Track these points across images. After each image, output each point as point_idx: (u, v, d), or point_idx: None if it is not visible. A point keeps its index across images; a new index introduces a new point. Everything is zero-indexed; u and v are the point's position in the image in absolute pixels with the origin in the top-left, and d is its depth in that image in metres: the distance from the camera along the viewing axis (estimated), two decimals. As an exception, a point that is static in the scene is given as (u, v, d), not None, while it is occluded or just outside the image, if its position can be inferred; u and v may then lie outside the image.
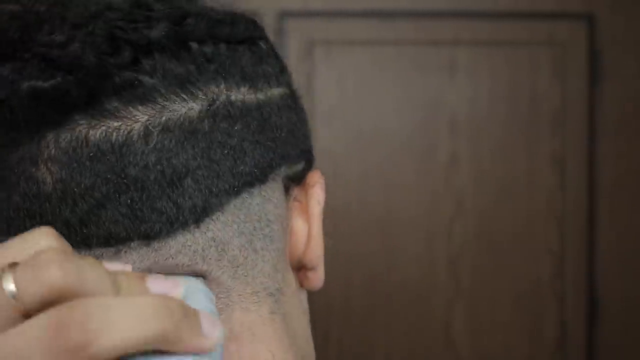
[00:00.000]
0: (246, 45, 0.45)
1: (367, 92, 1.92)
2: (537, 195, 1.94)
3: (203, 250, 0.42)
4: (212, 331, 0.33)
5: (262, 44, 0.46)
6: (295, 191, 0.47)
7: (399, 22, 1.94)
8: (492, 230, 1.93)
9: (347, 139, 1.91)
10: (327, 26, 1.93)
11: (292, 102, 0.47)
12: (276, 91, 0.46)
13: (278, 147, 0.45)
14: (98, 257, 0.40)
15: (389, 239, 1.92)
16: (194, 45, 0.42)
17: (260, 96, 0.45)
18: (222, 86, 0.42)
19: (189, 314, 0.33)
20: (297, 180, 0.47)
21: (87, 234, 0.39)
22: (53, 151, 0.39)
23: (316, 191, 0.48)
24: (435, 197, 1.94)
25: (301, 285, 0.48)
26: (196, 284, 0.40)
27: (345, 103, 1.91)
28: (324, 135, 1.92)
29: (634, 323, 1.93)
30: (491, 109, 1.95)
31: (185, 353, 0.33)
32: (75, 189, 0.39)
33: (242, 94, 0.43)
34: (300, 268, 0.48)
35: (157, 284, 0.35)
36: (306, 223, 0.48)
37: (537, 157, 1.94)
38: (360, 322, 1.93)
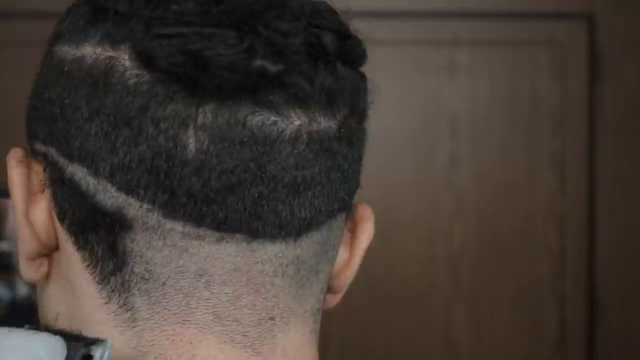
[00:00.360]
0: (364, 80, 0.47)
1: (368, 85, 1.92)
2: (537, 195, 1.94)
3: (286, 266, 0.43)
4: None
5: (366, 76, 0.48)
6: (349, 222, 0.49)
7: (398, 22, 1.94)
8: (492, 230, 1.93)
9: (347, 138, 1.92)
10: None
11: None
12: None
13: (359, 178, 0.48)
14: (201, 237, 0.41)
15: (389, 239, 1.92)
16: (341, 64, 0.43)
17: (364, 133, 0.47)
18: (349, 110, 0.44)
19: None
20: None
21: (204, 212, 0.40)
22: (210, 120, 0.39)
23: (369, 227, 0.51)
24: (435, 197, 1.94)
25: None
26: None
27: (345, 103, 1.91)
28: (324, 135, 1.92)
29: (634, 323, 1.93)
30: (491, 109, 1.95)
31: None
32: (216, 166, 0.39)
33: (357, 122, 0.45)
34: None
35: None
36: (347, 251, 0.49)
37: (537, 157, 1.94)
38: (360, 322, 1.93)
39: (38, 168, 0.43)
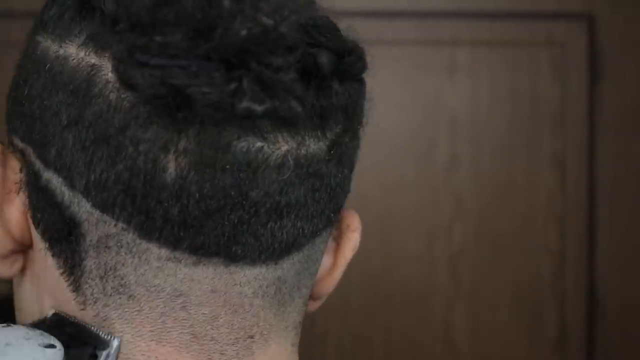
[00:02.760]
0: (363, 85, 0.45)
1: (366, 92, 1.92)
2: (537, 195, 1.94)
3: (267, 287, 0.42)
4: None
5: (365, 81, 0.45)
6: (335, 229, 0.47)
7: (398, 22, 1.94)
8: (492, 229, 1.93)
9: (347, 138, 1.92)
10: (327, 26, 1.93)
11: None
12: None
13: (348, 189, 0.45)
14: (177, 260, 0.40)
15: (388, 239, 1.92)
16: (338, 82, 0.41)
17: (357, 142, 0.45)
18: (343, 127, 0.42)
19: None
20: None
21: (181, 236, 0.39)
22: (191, 145, 0.38)
23: (356, 237, 0.48)
24: (435, 197, 1.94)
25: None
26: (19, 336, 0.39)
27: (345, 103, 1.91)
28: (324, 135, 1.92)
29: (634, 323, 1.93)
30: (491, 109, 1.95)
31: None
32: (195, 193, 0.38)
33: (350, 137, 0.43)
34: None
35: None
36: (331, 257, 0.47)
37: (537, 157, 1.94)
38: (359, 322, 1.93)
39: (15, 165, 0.42)
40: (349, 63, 0.42)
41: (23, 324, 0.41)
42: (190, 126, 0.37)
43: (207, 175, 0.38)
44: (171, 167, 0.38)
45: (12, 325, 0.40)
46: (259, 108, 0.37)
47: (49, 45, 0.41)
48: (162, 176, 0.38)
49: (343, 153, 0.42)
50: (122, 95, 0.38)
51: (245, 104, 0.37)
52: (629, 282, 1.94)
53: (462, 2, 1.95)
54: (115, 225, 0.39)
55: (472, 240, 1.94)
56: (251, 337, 0.42)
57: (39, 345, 0.38)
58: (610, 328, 1.94)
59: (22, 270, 0.44)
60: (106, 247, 0.40)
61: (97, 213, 0.39)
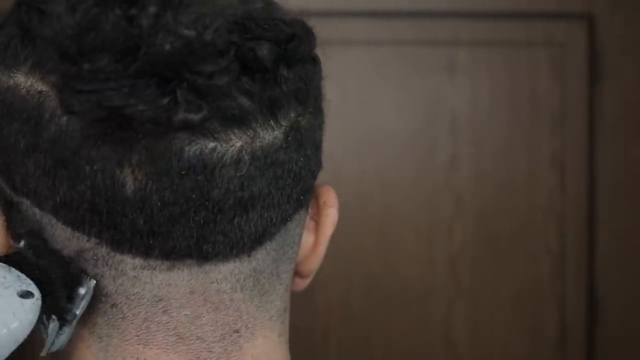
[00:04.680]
0: (316, 64, 0.45)
1: (366, 92, 1.92)
2: (537, 195, 1.94)
3: (244, 280, 0.43)
4: None
5: (318, 58, 0.46)
6: (311, 210, 0.47)
7: (398, 22, 1.94)
8: (492, 229, 1.93)
9: (346, 139, 1.91)
10: (326, 26, 1.93)
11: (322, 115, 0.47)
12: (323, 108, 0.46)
13: (316, 167, 0.45)
14: (151, 267, 0.41)
15: (388, 239, 1.92)
16: (285, 69, 0.41)
17: (319, 119, 0.45)
18: (298, 112, 0.42)
19: None
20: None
21: (151, 245, 0.40)
22: (144, 158, 0.38)
23: (333, 213, 0.48)
24: (435, 197, 1.94)
25: None
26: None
27: (344, 103, 1.91)
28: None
29: (634, 323, 1.93)
30: (491, 109, 1.95)
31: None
32: (157, 202, 0.39)
33: (307, 119, 0.44)
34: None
35: None
36: (312, 235, 0.48)
37: (537, 157, 1.94)
38: (359, 321, 1.93)
39: None
40: (292, 48, 0.42)
41: None
42: (138, 141, 0.38)
43: (165, 184, 0.38)
44: (129, 181, 0.38)
45: None
46: (195, 117, 0.38)
47: (0, 76, 0.41)
48: (122, 191, 0.38)
49: (303, 136, 0.43)
50: (71, 120, 0.38)
51: (181, 115, 0.38)
52: (629, 282, 1.94)
53: (462, 2, 1.95)
54: (88, 240, 0.40)
55: (472, 240, 1.94)
56: (237, 331, 0.43)
57: (17, 294, 0.39)
58: (610, 328, 1.93)
59: None
60: (84, 260, 0.40)
61: (68, 231, 0.40)
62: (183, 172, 0.38)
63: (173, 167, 0.38)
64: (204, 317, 0.42)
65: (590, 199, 1.94)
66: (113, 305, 0.41)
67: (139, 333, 0.42)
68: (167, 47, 0.38)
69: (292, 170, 0.42)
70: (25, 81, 0.40)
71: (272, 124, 0.41)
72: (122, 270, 0.41)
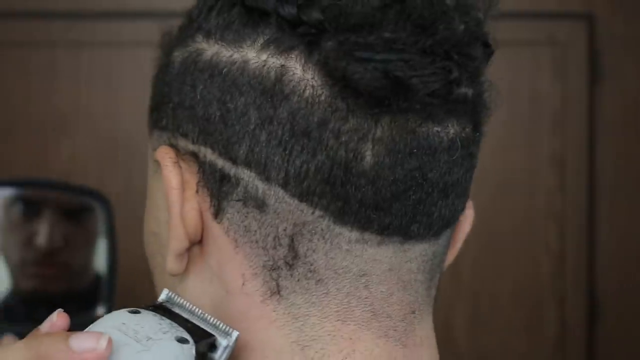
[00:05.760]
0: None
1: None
2: (537, 194, 1.94)
3: (426, 262, 0.45)
4: (81, 345, 0.37)
5: None
6: None
7: (399, 22, 1.94)
8: (491, 229, 1.93)
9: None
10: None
11: None
12: None
13: None
14: (364, 241, 0.42)
15: (389, 239, 1.92)
16: (484, 71, 0.46)
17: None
18: (482, 113, 0.47)
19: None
20: None
21: (372, 218, 0.42)
22: (386, 133, 0.41)
23: (472, 213, 0.53)
24: (435, 197, 1.94)
25: None
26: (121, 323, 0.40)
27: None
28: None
29: (634, 323, 1.93)
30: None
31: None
32: (389, 177, 0.41)
33: (484, 123, 0.48)
34: None
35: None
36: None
37: (537, 157, 1.94)
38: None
39: (186, 167, 0.44)
40: (489, 53, 0.48)
41: (145, 307, 0.42)
42: (384, 115, 0.40)
43: (399, 160, 0.41)
44: (369, 155, 0.41)
45: (140, 311, 0.41)
46: (470, 92, 0.43)
47: (219, 51, 0.42)
48: (360, 164, 0.41)
49: (480, 136, 0.46)
50: (318, 92, 0.40)
51: (463, 89, 0.42)
52: (629, 282, 1.94)
53: (462, 2, 1.95)
54: (313, 213, 0.41)
55: (472, 240, 1.93)
56: (413, 312, 0.45)
57: (176, 339, 0.40)
58: (610, 328, 1.94)
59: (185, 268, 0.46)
60: (300, 235, 0.42)
61: (294, 203, 0.41)
62: (414, 151, 0.41)
63: (407, 145, 0.41)
64: (394, 295, 0.44)
65: (590, 199, 1.94)
66: (319, 281, 0.43)
67: (339, 309, 0.43)
68: (462, 27, 0.42)
69: (474, 165, 0.46)
70: (257, 56, 0.41)
71: (472, 118, 0.44)
72: (337, 243, 0.42)
